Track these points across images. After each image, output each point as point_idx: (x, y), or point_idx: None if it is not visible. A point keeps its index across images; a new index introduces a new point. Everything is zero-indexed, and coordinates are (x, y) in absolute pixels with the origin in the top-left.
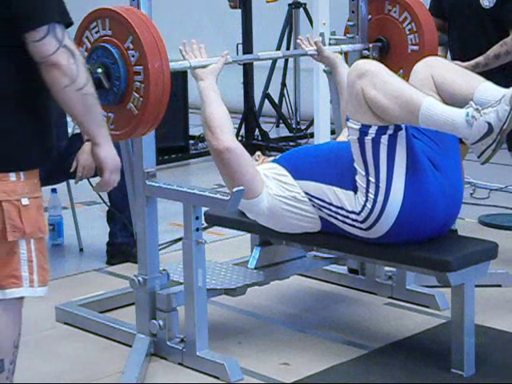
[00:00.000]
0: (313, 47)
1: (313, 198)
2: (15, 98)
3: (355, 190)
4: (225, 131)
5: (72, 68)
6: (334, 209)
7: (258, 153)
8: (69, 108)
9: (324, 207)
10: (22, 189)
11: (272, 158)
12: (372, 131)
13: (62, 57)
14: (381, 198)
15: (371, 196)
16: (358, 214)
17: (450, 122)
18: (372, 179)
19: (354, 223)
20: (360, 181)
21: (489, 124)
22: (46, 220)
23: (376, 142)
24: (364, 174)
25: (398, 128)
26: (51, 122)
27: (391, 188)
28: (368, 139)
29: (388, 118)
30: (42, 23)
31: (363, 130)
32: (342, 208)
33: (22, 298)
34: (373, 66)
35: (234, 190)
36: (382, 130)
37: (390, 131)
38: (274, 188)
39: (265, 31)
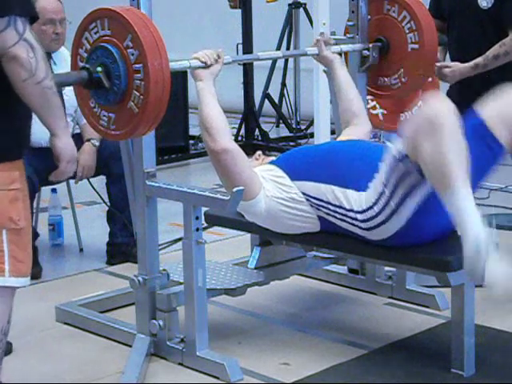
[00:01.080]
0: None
1: (310, 198)
2: None
3: (355, 188)
4: (221, 132)
5: (31, 61)
6: (332, 207)
7: (259, 152)
8: (28, 101)
9: (322, 206)
10: None
11: (272, 159)
12: (410, 164)
13: (21, 50)
14: (388, 211)
15: (380, 204)
16: (361, 212)
17: (463, 226)
18: (387, 193)
19: (354, 221)
20: (374, 186)
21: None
22: (24, 212)
23: (406, 174)
24: (381, 186)
25: None
26: (26, 117)
27: (399, 210)
28: (402, 167)
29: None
30: (2, 15)
31: (404, 160)
32: (340, 206)
33: (6, 288)
34: (448, 121)
35: (234, 189)
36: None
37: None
38: (272, 189)
39: (265, 31)
